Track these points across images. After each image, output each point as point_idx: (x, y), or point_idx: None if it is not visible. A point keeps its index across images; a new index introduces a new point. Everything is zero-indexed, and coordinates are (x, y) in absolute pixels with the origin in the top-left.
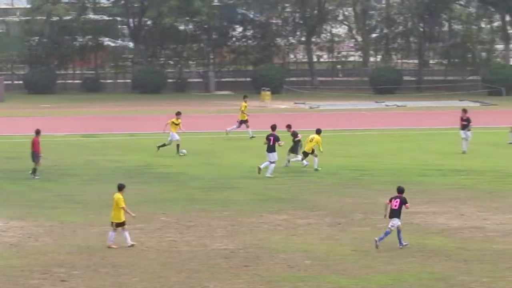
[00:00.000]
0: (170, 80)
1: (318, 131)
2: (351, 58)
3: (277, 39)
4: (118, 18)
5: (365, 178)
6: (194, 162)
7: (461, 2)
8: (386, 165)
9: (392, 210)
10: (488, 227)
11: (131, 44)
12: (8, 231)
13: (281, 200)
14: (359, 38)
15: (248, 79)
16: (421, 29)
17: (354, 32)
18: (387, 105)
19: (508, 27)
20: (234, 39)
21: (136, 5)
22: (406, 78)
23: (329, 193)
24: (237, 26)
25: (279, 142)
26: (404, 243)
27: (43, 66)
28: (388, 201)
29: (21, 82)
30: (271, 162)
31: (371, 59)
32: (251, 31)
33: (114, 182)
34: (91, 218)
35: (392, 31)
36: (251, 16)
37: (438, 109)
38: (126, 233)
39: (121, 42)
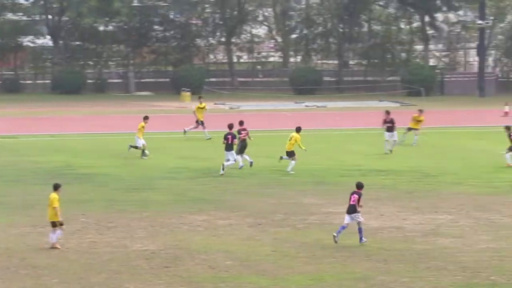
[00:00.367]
0: (90, 81)
1: (298, 129)
2: (271, 59)
3: (197, 39)
4: (37, 18)
5: (286, 179)
6: (115, 163)
7: (381, 3)
8: (306, 165)
9: (349, 205)
10: (407, 227)
11: (50, 45)
12: None
13: (202, 201)
14: (279, 39)
15: (168, 79)
16: (341, 30)
17: (274, 32)
18: (307, 106)
19: (427, 28)
20: (154, 39)
21: (55, 6)
22: (326, 78)
23: (250, 194)
24: (157, 26)
25: (235, 140)
26: (365, 240)
27: None
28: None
29: None
30: (228, 161)
31: (291, 59)
32: (171, 32)
33: (35, 183)
34: (11, 219)
35: (312, 32)
36: (171, 16)
37: (358, 110)
38: (54, 234)
39: (40, 42)
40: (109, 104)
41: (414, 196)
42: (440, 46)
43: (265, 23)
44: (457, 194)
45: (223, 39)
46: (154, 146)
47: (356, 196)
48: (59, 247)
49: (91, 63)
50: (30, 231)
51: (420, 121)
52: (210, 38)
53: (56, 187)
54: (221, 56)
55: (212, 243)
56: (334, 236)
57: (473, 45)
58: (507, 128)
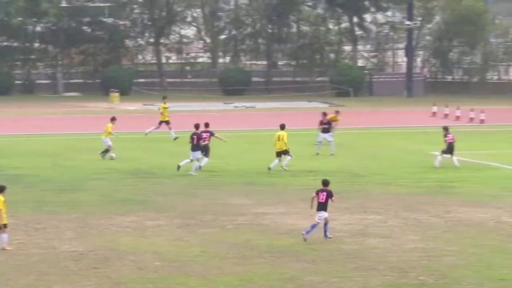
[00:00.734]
0: (18, 82)
1: (282, 127)
2: (200, 60)
3: (126, 40)
4: None
5: (215, 179)
6: (44, 164)
7: (309, 4)
8: (236, 166)
9: (319, 203)
10: (336, 227)
11: None
12: None
13: (131, 202)
14: (208, 40)
15: (97, 80)
16: (270, 31)
17: (202, 33)
18: (236, 106)
19: (356, 29)
20: (82, 40)
21: None
22: (255, 79)
23: (179, 195)
24: (85, 27)
25: (201, 141)
26: (329, 236)
27: None
28: (314, 194)
29: None
30: (191, 160)
31: (220, 60)
32: (100, 32)
33: None
34: None
35: (240, 33)
36: (100, 17)
37: (287, 110)
38: (4, 235)
39: None
40: (37, 105)
41: (343, 197)
42: (368, 46)
43: (194, 23)
44: (386, 194)
45: (151, 40)
46: (83, 146)
47: (325, 193)
48: (9, 248)
49: (19, 63)
50: None
51: (335, 121)
52: (139, 39)
53: (1, 189)
54: (149, 57)
55: (140, 244)
56: (302, 234)
57: (401, 45)
58: (445, 128)
